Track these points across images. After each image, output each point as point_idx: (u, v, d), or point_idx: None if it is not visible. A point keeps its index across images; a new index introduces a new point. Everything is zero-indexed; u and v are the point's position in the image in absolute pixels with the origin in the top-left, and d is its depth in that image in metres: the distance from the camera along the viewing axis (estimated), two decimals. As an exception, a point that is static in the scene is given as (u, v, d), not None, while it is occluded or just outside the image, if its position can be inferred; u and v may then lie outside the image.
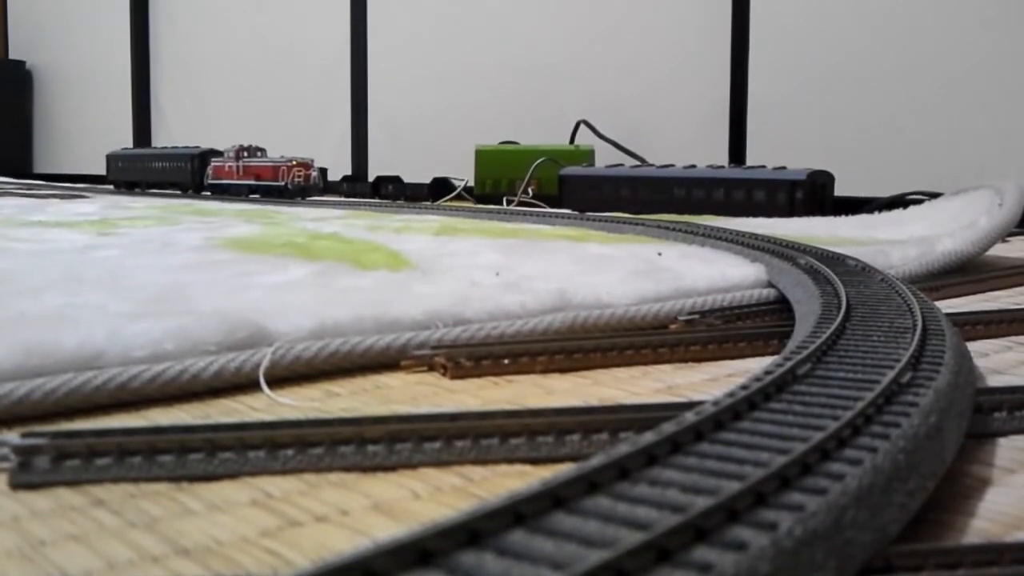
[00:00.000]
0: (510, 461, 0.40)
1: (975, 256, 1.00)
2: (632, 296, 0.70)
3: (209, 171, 2.28)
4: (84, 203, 1.96)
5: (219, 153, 2.31)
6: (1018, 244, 1.38)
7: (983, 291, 0.91)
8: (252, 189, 2.14)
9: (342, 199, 2.33)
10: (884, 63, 1.97)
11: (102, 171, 2.94)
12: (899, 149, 1.96)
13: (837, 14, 2.04)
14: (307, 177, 2.04)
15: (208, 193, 2.32)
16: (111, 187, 2.89)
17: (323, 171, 2.95)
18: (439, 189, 2.38)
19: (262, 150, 2.18)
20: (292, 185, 2.01)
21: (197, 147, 2.52)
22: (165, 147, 2.79)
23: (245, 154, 2.17)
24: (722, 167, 1.91)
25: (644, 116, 2.32)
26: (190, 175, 2.44)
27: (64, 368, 0.47)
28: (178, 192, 2.59)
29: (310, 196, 2.03)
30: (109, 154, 2.92)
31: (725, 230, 1.11)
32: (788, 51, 2.11)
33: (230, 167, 2.20)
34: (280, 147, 2.37)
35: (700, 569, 0.22)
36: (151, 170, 2.64)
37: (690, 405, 0.41)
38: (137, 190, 2.76)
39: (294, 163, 2.03)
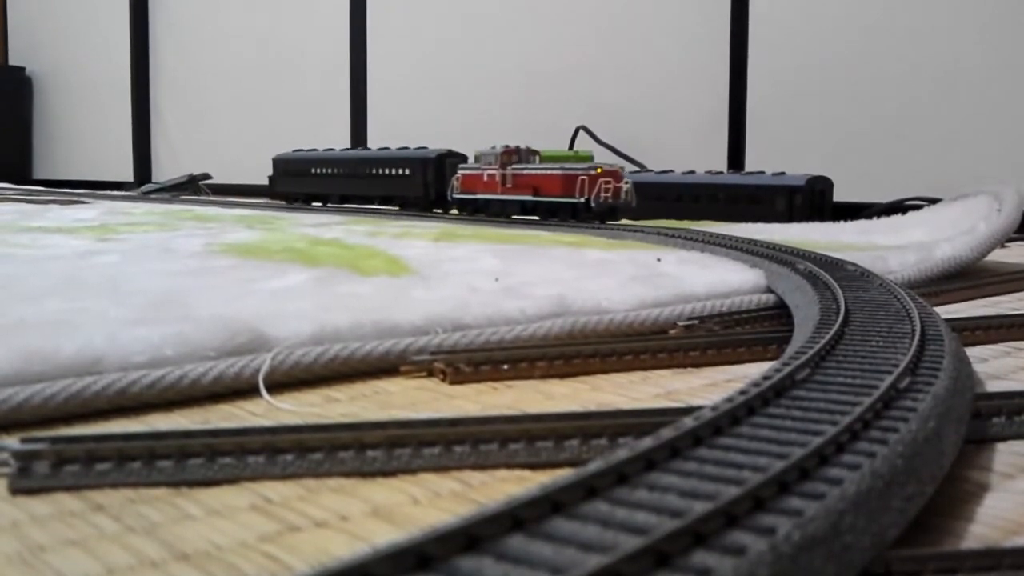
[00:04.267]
0: (509, 466, 0.40)
1: (974, 262, 1.00)
2: (631, 302, 0.70)
3: (455, 182, 1.63)
4: (84, 209, 1.96)
5: (461, 157, 1.74)
6: (1017, 250, 1.38)
7: (982, 296, 0.91)
8: (528, 207, 1.50)
9: (342, 205, 2.31)
10: (883, 69, 1.98)
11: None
12: (898, 155, 1.96)
13: (835, 21, 2.04)
14: (616, 192, 1.37)
15: (455, 212, 1.69)
16: (280, 201, 2.19)
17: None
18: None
19: (536, 153, 1.56)
20: (597, 203, 1.36)
21: (426, 148, 1.89)
22: (372, 149, 2.10)
23: (515, 158, 1.52)
24: (721, 173, 1.91)
25: (643, 122, 2.32)
26: (422, 187, 1.82)
27: (64, 373, 0.47)
28: (326, 206, 2.01)
29: (618, 219, 1.40)
30: (278, 157, 2.22)
31: (724, 236, 1.12)
32: (787, 57, 2.11)
33: (491, 177, 1.55)
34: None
35: (699, 574, 0.22)
36: (355, 180, 1.99)
37: (689, 410, 0.41)
38: (321, 206, 2.03)
39: (598, 170, 1.38)
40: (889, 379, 0.38)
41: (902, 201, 1.77)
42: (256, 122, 3.32)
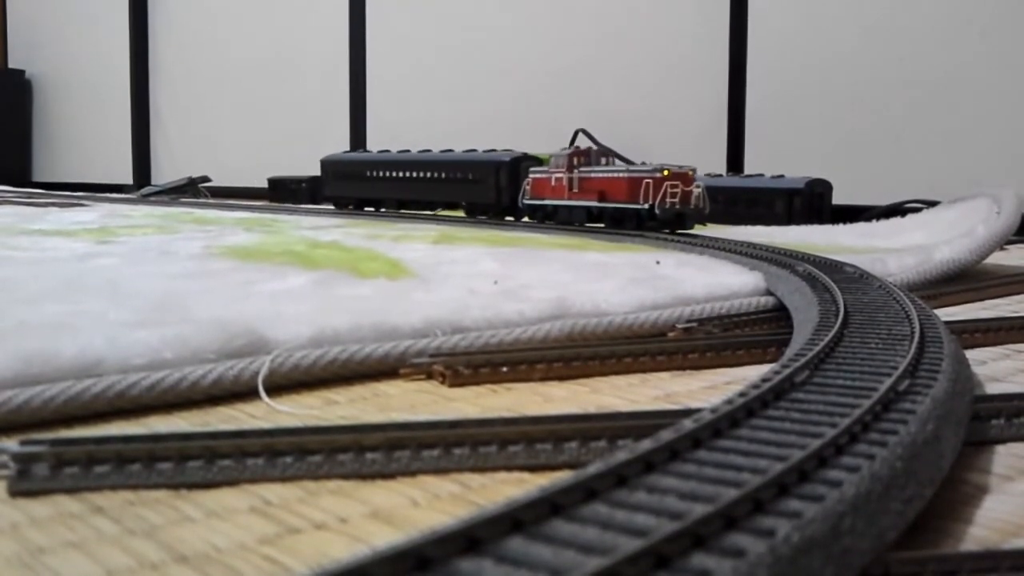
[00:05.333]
0: (508, 468, 0.40)
1: (973, 264, 1.00)
2: (630, 304, 0.70)
3: (526, 186, 1.49)
4: (83, 211, 1.96)
5: (536, 160, 1.57)
6: (1016, 252, 1.38)
7: (981, 299, 0.91)
8: (595, 214, 1.36)
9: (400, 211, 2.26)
10: (882, 72, 1.98)
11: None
12: (897, 158, 1.96)
13: (835, 23, 2.04)
14: (686, 197, 1.23)
15: (527, 219, 1.54)
16: (331, 206, 2.06)
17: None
18: None
19: (612, 154, 1.42)
20: (662, 209, 1.21)
21: (495, 150, 1.75)
22: (435, 151, 1.91)
23: (583, 160, 1.40)
24: (720, 175, 1.91)
25: (642, 124, 2.33)
26: (494, 193, 1.66)
27: (63, 376, 0.47)
28: (379, 210, 1.88)
29: (688, 228, 1.24)
30: (327, 159, 2.08)
31: (723, 239, 1.12)
32: (786, 60, 2.11)
33: (559, 180, 1.42)
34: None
35: (698, 576, 0.22)
36: (416, 184, 1.83)
37: (688, 412, 0.41)
38: (374, 212, 1.90)
39: (665, 173, 1.23)
40: (888, 381, 0.38)
41: (901, 204, 1.77)
42: (256, 125, 3.32)
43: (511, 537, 0.24)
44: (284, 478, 0.39)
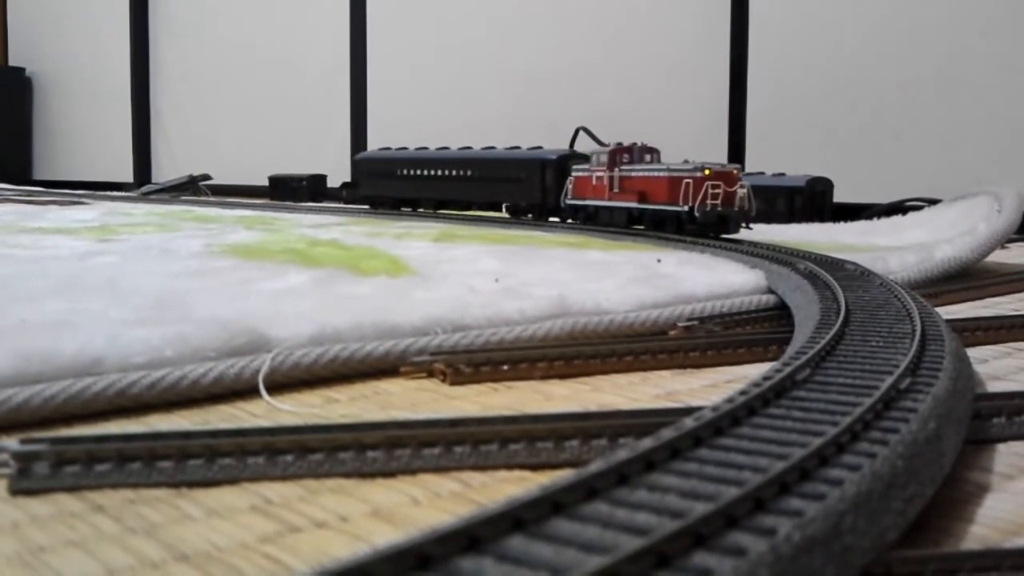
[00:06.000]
0: (509, 467, 0.40)
1: (974, 262, 1.00)
2: (631, 302, 0.70)
3: (569, 185, 1.40)
4: (84, 210, 1.96)
5: (584, 158, 1.41)
6: (1017, 250, 1.38)
7: (982, 297, 0.91)
8: (635, 216, 1.26)
9: (341, 206, 2.30)
10: (883, 71, 1.98)
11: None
12: (898, 156, 1.96)
13: (835, 22, 2.04)
14: (728, 198, 1.12)
15: (570, 220, 1.43)
16: (365, 206, 1.95)
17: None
18: None
19: (655, 151, 1.30)
20: (702, 212, 1.11)
21: (541, 147, 1.64)
22: (474, 148, 1.79)
23: (625, 158, 1.29)
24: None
25: (643, 123, 2.32)
26: (539, 192, 1.54)
27: (64, 374, 0.47)
28: (415, 210, 1.79)
29: (731, 232, 1.14)
30: (360, 157, 1.99)
31: (724, 237, 1.11)
32: (787, 59, 2.11)
33: (599, 179, 1.32)
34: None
35: (699, 574, 0.22)
36: (454, 183, 1.73)
37: (689, 411, 0.41)
38: (411, 212, 1.81)
39: (706, 172, 1.12)
40: (889, 380, 0.38)
41: (902, 202, 1.77)
42: (256, 123, 3.32)
43: (512, 536, 0.24)
44: (285, 476, 0.39)
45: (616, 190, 1.28)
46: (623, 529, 0.24)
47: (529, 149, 1.67)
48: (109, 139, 3.82)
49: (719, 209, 1.11)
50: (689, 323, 0.70)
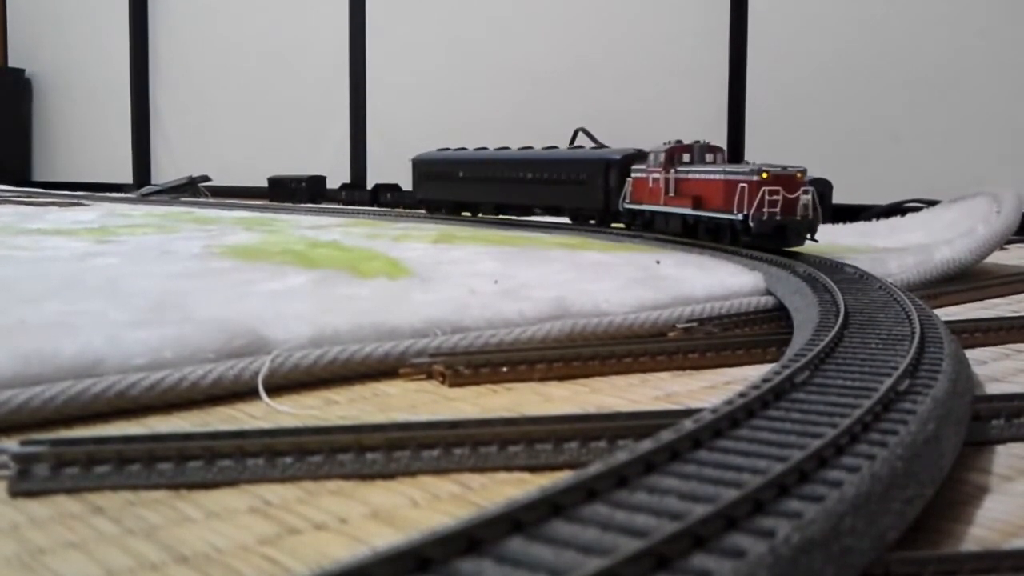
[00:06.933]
0: (508, 469, 0.40)
1: (973, 264, 1.00)
2: (630, 304, 0.70)
3: (628, 188, 1.26)
4: (83, 211, 1.96)
5: (644, 156, 1.26)
6: (1016, 252, 1.38)
7: (981, 299, 0.91)
8: (690, 225, 1.12)
9: (340, 207, 2.30)
10: (882, 71, 1.98)
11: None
12: (897, 157, 1.96)
13: (835, 23, 2.04)
14: (789, 205, 0.96)
15: (635, 227, 1.26)
16: (422, 211, 1.84)
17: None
18: None
19: (718, 150, 1.16)
20: (758, 221, 0.96)
21: (607, 147, 1.52)
22: (536, 148, 1.65)
23: (685, 158, 1.16)
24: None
25: (642, 123, 2.32)
26: (602, 196, 1.39)
27: (63, 376, 0.47)
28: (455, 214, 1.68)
29: (793, 244, 0.98)
30: (419, 158, 1.83)
31: (723, 239, 1.11)
32: (786, 59, 2.11)
33: (655, 182, 1.18)
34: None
35: (698, 576, 0.22)
36: (514, 186, 1.58)
37: (688, 413, 0.41)
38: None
39: (763, 175, 0.96)
40: (888, 382, 0.38)
41: (901, 203, 1.77)
42: (255, 124, 3.32)
43: (511, 538, 0.24)
44: (284, 478, 0.39)
45: (671, 194, 1.15)
46: (622, 531, 0.24)
47: (592, 148, 1.55)
48: (109, 140, 3.82)
49: (777, 218, 0.96)
50: (688, 325, 0.70)
